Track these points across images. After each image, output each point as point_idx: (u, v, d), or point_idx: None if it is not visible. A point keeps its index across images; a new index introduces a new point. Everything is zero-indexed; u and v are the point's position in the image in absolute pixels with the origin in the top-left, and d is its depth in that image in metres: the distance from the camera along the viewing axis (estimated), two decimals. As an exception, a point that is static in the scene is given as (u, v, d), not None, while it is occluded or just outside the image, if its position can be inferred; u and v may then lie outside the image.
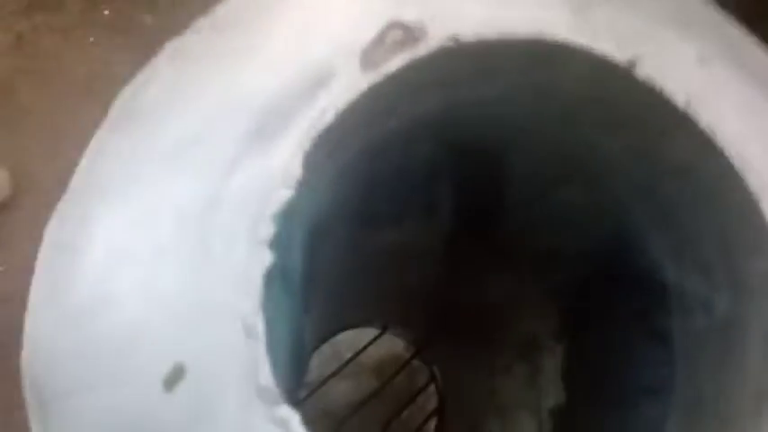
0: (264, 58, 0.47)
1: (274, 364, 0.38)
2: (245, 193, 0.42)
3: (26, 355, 0.42)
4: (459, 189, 0.66)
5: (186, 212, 0.42)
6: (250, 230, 0.41)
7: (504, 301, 0.81)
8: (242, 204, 0.42)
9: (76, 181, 0.45)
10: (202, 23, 0.49)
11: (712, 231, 0.49)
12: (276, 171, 0.42)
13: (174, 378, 0.38)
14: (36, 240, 1.49)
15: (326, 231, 0.56)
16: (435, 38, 0.47)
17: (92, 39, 1.75)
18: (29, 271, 1.45)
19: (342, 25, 0.47)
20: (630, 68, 0.47)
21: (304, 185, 0.42)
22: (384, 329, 1.23)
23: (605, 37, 0.48)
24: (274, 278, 0.40)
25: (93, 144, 0.46)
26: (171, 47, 0.48)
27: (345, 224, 0.63)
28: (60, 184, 1.47)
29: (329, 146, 0.45)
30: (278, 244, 0.42)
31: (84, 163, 0.46)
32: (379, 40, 0.45)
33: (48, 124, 1.74)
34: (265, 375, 0.38)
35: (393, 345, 1.36)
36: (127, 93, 0.47)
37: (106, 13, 1.81)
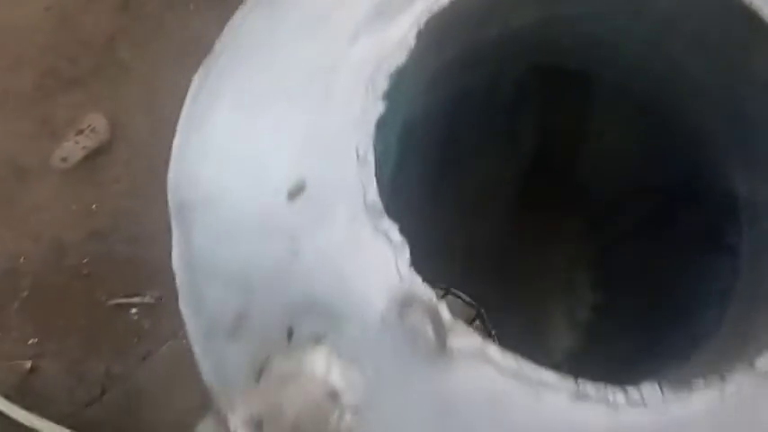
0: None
1: (379, 191, 0.46)
2: (364, 58, 0.51)
3: (171, 173, 0.51)
4: (544, 116, 0.73)
5: (314, 72, 0.51)
6: (367, 86, 0.49)
7: (562, 255, 0.87)
8: (361, 66, 0.50)
9: (220, 45, 0.54)
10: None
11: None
12: (393, 41, 0.51)
13: (296, 191, 0.47)
14: (126, 184, 1.64)
15: (413, 151, 0.64)
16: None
17: (192, 7, 1.88)
18: (118, 210, 1.60)
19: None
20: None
21: (407, 71, 0.50)
22: (446, 292, 1.29)
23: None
24: (383, 126, 0.48)
25: (234, 20, 0.56)
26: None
27: (429, 147, 0.71)
28: (152, 134, 1.63)
29: (436, 34, 0.53)
30: (388, 113, 0.50)
31: (225, 33, 0.55)
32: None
33: (144, 81, 1.89)
34: (372, 194, 0.46)
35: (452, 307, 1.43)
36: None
37: (207, -17, 1.95)
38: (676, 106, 0.63)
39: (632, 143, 0.70)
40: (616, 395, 0.43)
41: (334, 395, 0.44)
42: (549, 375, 0.43)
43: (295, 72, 0.51)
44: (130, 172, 1.82)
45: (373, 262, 0.45)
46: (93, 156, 1.82)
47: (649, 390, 0.43)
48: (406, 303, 0.44)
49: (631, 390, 0.43)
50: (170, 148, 1.61)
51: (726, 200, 0.62)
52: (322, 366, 0.44)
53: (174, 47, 1.85)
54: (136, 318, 1.68)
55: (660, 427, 0.43)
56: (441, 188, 0.73)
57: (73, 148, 1.82)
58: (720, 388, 0.43)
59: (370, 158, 0.47)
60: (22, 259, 1.72)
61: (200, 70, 0.54)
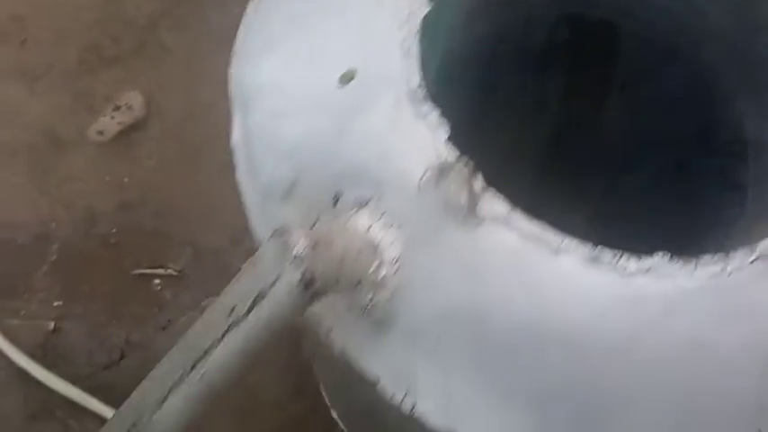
0: None
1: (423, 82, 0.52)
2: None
3: (234, 66, 0.58)
4: (572, 69, 0.80)
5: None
6: None
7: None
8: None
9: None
10: None
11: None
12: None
13: (347, 77, 0.54)
14: (157, 160, 1.74)
15: (450, 89, 0.69)
16: None
17: (232, -3, 1.97)
18: (148, 185, 1.69)
19: None
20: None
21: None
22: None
23: None
24: (428, 24, 0.55)
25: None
26: None
27: (465, 87, 0.77)
28: (186, 115, 1.72)
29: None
30: (431, 17, 0.57)
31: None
32: None
33: (183, 63, 1.98)
34: (415, 83, 0.52)
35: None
36: None
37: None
38: (695, 52, 0.70)
39: (654, 94, 0.76)
40: (628, 261, 0.49)
41: (375, 248, 0.50)
42: (566, 240, 0.49)
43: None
44: (162, 149, 1.90)
45: (414, 139, 0.52)
46: (128, 131, 1.90)
47: (659, 259, 0.49)
48: (442, 173, 0.50)
49: (643, 258, 0.49)
50: (203, 129, 1.69)
51: (737, 143, 0.68)
52: (365, 224, 0.51)
53: (214, 32, 1.94)
54: (158, 288, 1.74)
55: (665, 295, 0.48)
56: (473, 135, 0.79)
57: (109, 123, 1.91)
58: (724, 263, 0.49)
59: (414, 53, 0.54)
60: (53, 225, 1.80)
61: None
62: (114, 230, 1.79)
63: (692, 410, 0.48)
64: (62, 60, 1.94)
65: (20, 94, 1.89)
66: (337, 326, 0.52)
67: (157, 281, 1.75)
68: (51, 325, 1.70)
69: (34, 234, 1.78)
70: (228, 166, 1.52)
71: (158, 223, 1.79)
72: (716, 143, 0.71)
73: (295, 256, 0.45)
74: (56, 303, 1.73)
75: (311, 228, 0.48)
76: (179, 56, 1.99)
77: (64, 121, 1.89)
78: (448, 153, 0.51)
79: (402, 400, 0.51)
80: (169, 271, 1.74)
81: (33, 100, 1.91)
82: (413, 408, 0.50)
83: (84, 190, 1.83)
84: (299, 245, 0.45)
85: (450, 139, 0.52)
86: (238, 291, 0.47)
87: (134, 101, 1.92)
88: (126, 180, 1.85)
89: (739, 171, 0.67)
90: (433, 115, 0.52)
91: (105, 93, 1.91)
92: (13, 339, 1.64)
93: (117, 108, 1.91)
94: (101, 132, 1.89)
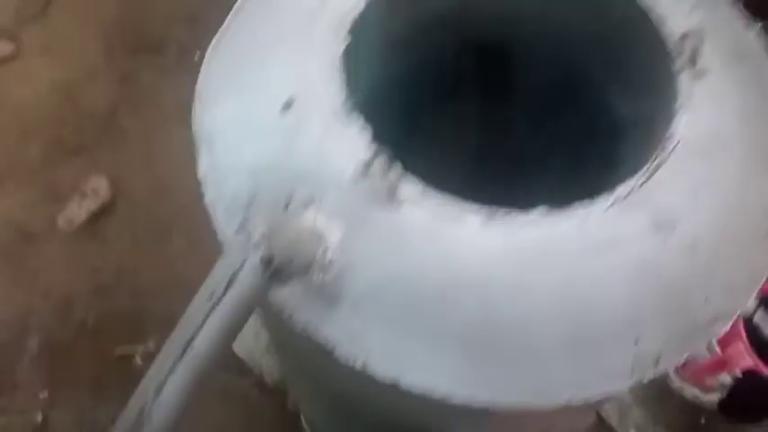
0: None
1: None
2: (336, 11, 0.78)
3: (195, 107, 0.77)
4: (482, 88, 1.01)
5: (300, 21, 0.78)
6: (336, 30, 0.77)
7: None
8: (333, 16, 0.78)
9: (230, 19, 0.82)
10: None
11: (639, 59, 0.82)
12: (350, 4, 0.79)
13: (287, 105, 0.74)
14: (127, 241, 1.98)
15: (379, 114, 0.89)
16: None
17: (184, 76, 2.20)
18: (121, 266, 1.93)
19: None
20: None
21: (366, 23, 0.78)
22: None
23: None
24: (348, 55, 0.75)
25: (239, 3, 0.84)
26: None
27: (392, 110, 0.98)
28: (151, 193, 1.98)
29: (382, 2, 0.81)
30: (350, 50, 0.77)
31: (234, 11, 0.83)
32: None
33: (143, 144, 2.19)
34: (341, 99, 0.73)
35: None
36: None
37: (198, 55, 2.29)
38: (572, 58, 0.91)
39: (548, 99, 0.98)
40: (516, 217, 0.68)
41: (320, 235, 0.69)
42: (468, 206, 0.68)
43: (283, 26, 0.79)
44: (131, 230, 2.10)
45: (343, 144, 0.71)
46: (97, 216, 2.10)
47: (539, 212, 0.68)
48: (367, 168, 0.70)
49: (527, 213, 0.68)
50: (168, 206, 1.91)
51: (616, 125, 0.89)
52: (311, 218, 0.70)
53: (169, 112, 2.16)
54: (140, 364, 1.90)
55: (544, 239, 0.68)
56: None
57: (77, 211, 2.11)
58: (589, 206, 0.68)
59: (337, 78, 0.74)
60: (31, 317, 1.96)
61: (211, 44, 0.82)
62: (92, 315, 1.96)
63: (578, 331, 0.67)
64: (26, 157, 2.15)
65: (-13, 196, 2.09)
66: (297, 308, 0.69)
67: (138, 358, 1.91)
68: (39, 417, 1.84)
69: (13, 329, 1.94)
70: (197, 239, 1.72)
71: (134, 302, 1.97)
72: (600, 128, 0.92)
73: (254, 244, 0.64)
74: (41, 395, 1.88)
75: (268, 225, 0.67)
76: (139, 139, 2.21)
77: (33, 215, 2.08)
78: (370, 151, 0.71)
79: (355, 361, 0.68)
80: (149, 346, 1.90)
81: (2, 199, 2.10)
82: (364, 365, 0.68)
83: (59, 279, 2.01)
84: (257, 234, 0.64)
85: (373, 140, 0.72)
86: (214, 277, 0.65)
87: (99, 186, 2.12)
88: (98, 264, 2.03)
89: (619, 148, 0.88)
90: (357, 123, 0.72)
91: (71, 182, 2.11)
92: (4, 437, 1.78)
93: (84, 195, 2.11)
94: (70, 221, 2.08)
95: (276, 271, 0.65)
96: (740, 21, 0.84)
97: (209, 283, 0.66)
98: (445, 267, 0.68)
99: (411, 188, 0.69)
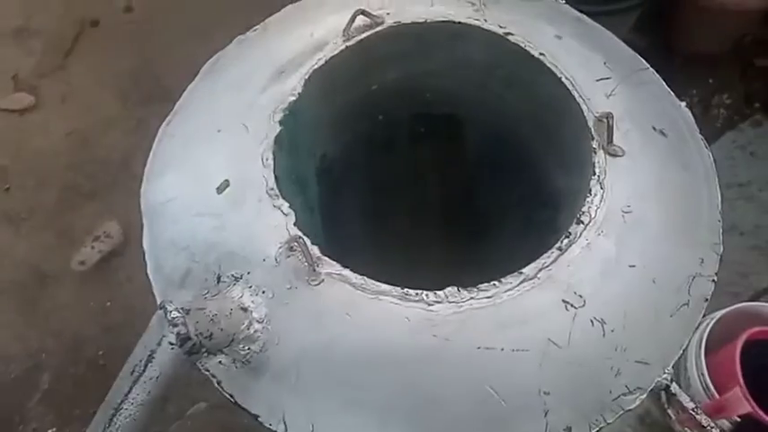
0: (289, 39, 0.89)
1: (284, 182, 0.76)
2: (269, 101, 0.82)
3: (142, 189, 0.81)
4: (429, 151, 1.03)
5: (237, 112, 0.82)
6: (270, 117, 0.80)
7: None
8: (267, 107, 0.82)
9: (179, 103, 0.86)
10: (259, 26, 0.92)
11: (567, 135, 0.84)
12: (288, 90, 0.83)
13: (223, 187, 0.77)
14: (137, 282, 2.02)
15: (334, 184, 0.93)
16: (388, 22, 0.87)
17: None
18: (131, 306, 1.96)
19: (333, 19, 0.88)
20: (506, 36, 0.85)
21: (301, 109, 0.81)
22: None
23: (492, 21, 0.87)
24: (282, 141, 0.78)
25: (189, 86, 0.88)
26: (238, 39, 0.91)
27: (346, 180, 1.01)
28: None
29: (321, 84, 0.85)
30: (284, 135, 0.81)
31: (183, 95, 0.87)
32: (352, 23, 0.86)
33: (155, 190, 2.24)
34: (271, 184, 0.76)
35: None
36: (211, 60, 0.89)
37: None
38: (514, 131, 0.93)
39: (496, 168, 1.00)
40: (428, 295, 0.70)
41: (245, 309, 0.71)
42: (383, 286, 0.70)
43: (225, 113, 0.83)
44: (141, 272, 2.14)
45: (271, 225, 0.75)
46: (108, 258, 2.15)
47: (450, 290, 0.70)
48: (290, 247, 0.73)
49: (438, 292, 0.70)
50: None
51: (556, 195, 0.90)
52: (238, 293, 0.72)
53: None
54: (146, 403, 1.92)
55: (458, 314, 0.69)
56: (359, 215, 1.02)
57: (90, 253, 2.16)
58: (498, 286, 0.70)
59: (270, 163, 0.77)
60: (43, 355, 2.01)
61: (164, 122, 0.86)
62: (101, 353, 2.01)
63: (490, 399, 0.68)
64: (44, 202, 2.22)
65: (6, 238, 2.16)
66: (224, 377, 0.72)
67: (144, 396, 1.94)
68: (47, 454, 1.88)
69: (26, 366, 1.99)
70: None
71: (142, 341, 2.01)
72: (544, 197, 0.93)
73: (170, 322, 0.67)
74: (50, 431, 1.92)
75: (193, 301, 0.70)
76: (151, 184, 2.26)
77: (48, 257, 2.14)
78: (294, 232, 0.73)
79: (277, 429, 0.70)
80: (155, 385, 1.93)
81: (19, 241, 2.17)
82: (285, 432, 0.70)
83: (71, 318, 2.06)
84: (173, 313, 0.67)
85: (298, 222, 0.75)
86: (136, 354, 0.68)
87: (112, 230, 2.18)
88: (109, 304, 2.08)
89: (559, 217, 0.89)
90: (285, 206, 0.75)
91: (85, 226, 2.17)
92: (13, 471, 1.83)
93: (96, 238, 2.17)
94: (82, 263, 2.14)
95: (195, 347, 0.68)
96: (668, 98, 0.85)
97: (132, 359, 0.69)
98: (363, 339, 0.70)
99: (330, 267, 0.72)
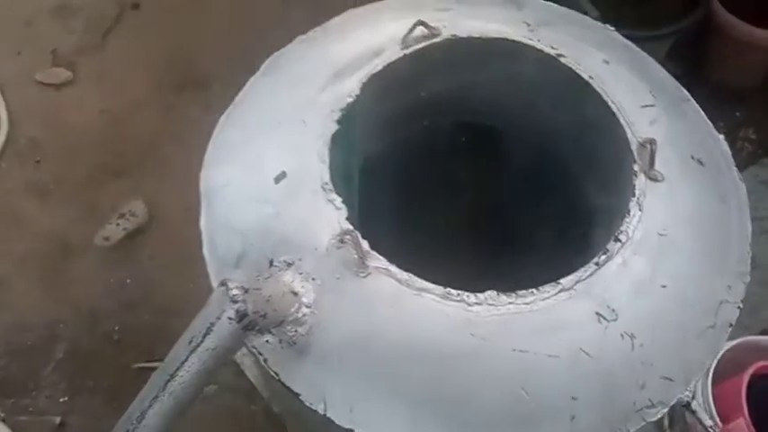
0: (348, 43, 0.93)
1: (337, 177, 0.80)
2: (327, 101, 0.86)
3: (203, 171, 0.86)
4: (470, 161, 1.07)
5: (296, 109, 0.87)
6: (328, 116, 0.85)
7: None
8: (325, 106, 0.86)
9: (240, 95, 0.90)
10: (319, 28, 0.97)
11: (608, 157, 0.88)
12: (345, 90, 0.87)
13: (280, 177, 0.81)
14: (158, 261, 2.07)
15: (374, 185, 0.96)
16: (445, 35, 0.91)
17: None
18: (149, 284, 2.01)
19: (391, 27, 0.92)
20: (558, 57, 0.89)
21: (356, 111, 0.86)
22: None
23: (544, 42, 0.91)
24: (337, 139, 0.83)
25: (249, 81, 0.92)
26: (299, 38, 0.96)
27: (387, 182, 1.04)
28: (184, 220, 2.04)
29: (376, 88, 0.89)
30: (339, 133, 0.85)
31: (244, 89, 0.92)
32: (411, 33, 0.90)
33: (181, 173, 2.27)
34: (326, 178, 0.80)
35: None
36: (273, 56, 0.94)
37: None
38: (554, 147, 0.98)
39: (533, 183, 1.04)
40: (469, 296, 0.74)
41: (296, 294, 0.76)
42: (427, 284, 0.75)
43: (285, 108, 0.87)
44: (163, 252, 2.19)
45: (324, 217, 0.79)
46: (132, 236, 2.20)
47: (490, 294, 0.74)
48: (341, 240, 0.77)
49: (479, 294, 0.74)
50: (198, 233, 1.98)
51: (590, 212, 0.95)
52: (290, 278, 0.77)
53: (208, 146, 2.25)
54: (157, 380, 1.97)
55: (496, 316, 0.74)
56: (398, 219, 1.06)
57: (114, 230, 2.21)
58: (536, 293, 0.74)
59: (326, 159, 0.82)
60: (61, 325, 2.06)
61: (225, 113, 0.90)
62: (117, 328, 2.05)
63: (520, 399, 0.72)
64: (72, 176, 2.27)
65: (33, 208, 2.20)
66: (271, 356, 0.76)
67: (156, 374, 1.98)
68: (57, 420, 1.93)
69: (43, 335, 2.03)
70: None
71: (157, 319, 2.05)
72: (578, 214, 0.97)
73: (231, 298, 0.71)
74: (62, 399, 1.97)
75: (249, 282, 0.74)
76: (177, 168, 2.30)
77: (73, 230, 2.19)
78: (346, 225, 0.78)
79: (317, 408, 0.74)
80: (167, 364, 1.98)
81: (45, 213, 2.22)
82: (325, 413, 0.74)
83: (90, 292, 2.10)
84: (234, 290, 0.71)
85: (354, 214, 0.79)
86: (195, 326, 0.73)
87: (137, 208, 2.22)
88: (128, 281, 2.12)
89: (592, 234, 0.94)
90: (338, 201, 0.80)
91: (111, 203, 2.22)
92: (22, 435, 1.87)
93: (122, 216, 2.21)
94: (106, 238, 2.18)
95: (251, 324, 0.72)
96: (707, 129, 0.90)
97: (191, 329, 0.73)
98: (404, 332, 0.74)
99: (377, 262, 0.76)
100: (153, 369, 1.94)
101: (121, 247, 2.18)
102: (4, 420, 1.87)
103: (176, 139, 2.35)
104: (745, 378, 1.38)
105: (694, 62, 2.18)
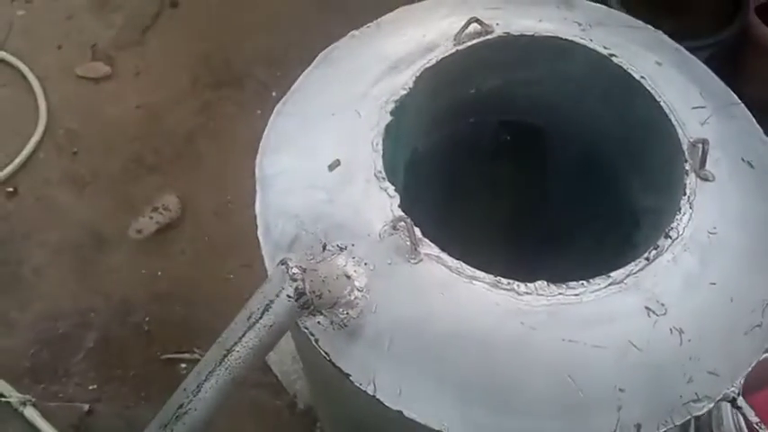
0: (401, 38, 0.95)
1: (384, 168, 0.82)
2: (381, 93, 0.88)
3: (258, 158, 0.88)
4: (514, 160, 1.09)
5: (351, 100, 0.89)
6: (382, 108, 0.87)
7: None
8: (379, 97, 0.88)
9: (295, 85, 0.92)
10: (373, 24, 0.99)
11: (657, 157, 0.89)
12: (399, 84, 0.89)
13: (334, 165, 0.83)
14: (189, 255, 2.10)
15: (419, 179, 0.98)
16: (498, 32, 0.93)
17: (259, 112, 2.32)
18: (180, 278, 2.04)
19: (444, 24, 0.94)
20: (610, 57, 0.91)
21: (409, 104, 0.87)
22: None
23: (597, 42, 0.92)
24: (390, 130, 0.85)
25: (304, 73, 0.95)
26: (351, 34, 0.98)
27: (432, 177, 1.06)
28: (216, 216, 2.10)
29: (429, 82, 0.91)
30: (392, 125, 0.87)
31: (299, 80, 0.94)
32: (464, 29, 0.92)
33: (214, 169, 2.32)
34: (379, 167, 0.82)
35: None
36: (327, 50, 0.96)
37: (273, 94, 2.42)
38: (594, 144, 0.99)
39: (576, 182, 1.05)
40: (519, 286, 0.75)
41: (349, 277, 0.77)
42: (477, 272, 0.76)
43: (339, 99, 0.89)
44: (194, 246, 2.22)
45: (377, 204, 0.81)
46: (164, 230, 2.23)
47: (540, 284, 0.75)
48: (394, 227, 0.79)
49: (529, 284, 0.75)
50: (229, 229, 2.02)
51: (634, 213, 0.96)
52: (343, 262, 0.78)
53: (242, 144, 2.28)
54: (184, 372, 2.00)
55: (546, 306, 0.75)
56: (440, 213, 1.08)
57: (147, 223, 2.24)
58: (586, 285, 0.75)
59: (379, 148, 0.83)
60: (92, 315, 2.09)
61: (281, 102, 0.92)
62: (147, 319, 2.08)
63: (568, 388, 0.73)
64: (108, 169, 2.31)
65: (69, 199, 2.24)
66: (322, 337, 0.78)
67: (183, 365, 2.01)
68: (86, 407, 1.96)
69: (74, 323, 2.07)
70: (250, 261, 1.82)
71: (187, 312, 2.08)
72: (622, 212, 0.98)
73: (291, 276, 0.73)
74: (91, 387, 1.99)
75: (306, 263, 0.76)
76: (211, 165, 2.34)
77: (107, 222, 2.23)
78: (398, 213, 0.79)
79: (366, 390, 0.76)
80: (195, 356, 2.00)
81: (81, 203, 2.26)
82: (374, 394, 0.76)
83: (122, 283, 2.14)
84: (294, 269, 0.73)
85: (407, 202, 0.81)
86: (254, 302, 0.75)
87: (171, 203, 2.26)
88: (160, 273, 2.15)
89: (637, 232, 0.94)
90: (391, 189, 0.81)
91: (145, 196, 2.26)
92: (51, 420, 1.89)
93: (155, 209, 2.24)
94: (140, 231, 2.22)
95: (307, 303, 0.74)
96: (757, 132, 0.90)
97: (249, 306, 0.75)
98: (454, 318, 0.76)
99: (429, 249, 0.77)
100: (181, 360, 1.97)
101: (154, 240, 2.21)
102: (34, 405, 1.90)
103: (211, 137, 2.39)
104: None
105: (729, 75, 2.17)
